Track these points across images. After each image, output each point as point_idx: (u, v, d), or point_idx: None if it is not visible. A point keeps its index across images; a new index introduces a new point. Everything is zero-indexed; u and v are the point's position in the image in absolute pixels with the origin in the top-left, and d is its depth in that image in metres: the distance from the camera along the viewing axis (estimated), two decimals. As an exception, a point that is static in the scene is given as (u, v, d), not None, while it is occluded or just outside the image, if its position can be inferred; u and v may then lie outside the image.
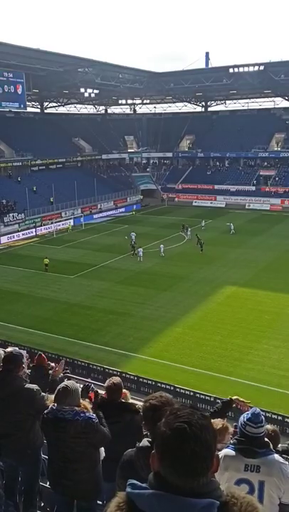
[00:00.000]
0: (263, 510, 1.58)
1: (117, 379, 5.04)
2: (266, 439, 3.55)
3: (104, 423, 4.24)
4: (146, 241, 46.80)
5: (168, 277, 36.26)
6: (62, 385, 4.11)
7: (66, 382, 4.20)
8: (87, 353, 23.72)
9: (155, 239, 48.23)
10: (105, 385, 4.99)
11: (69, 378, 6.71)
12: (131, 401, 5.77)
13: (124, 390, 5.23)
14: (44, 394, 4.61)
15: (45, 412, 4.13)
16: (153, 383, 19.95)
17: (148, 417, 2.91)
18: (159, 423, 1.68)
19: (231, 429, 4.58)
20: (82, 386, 6.23)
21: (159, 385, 19.63)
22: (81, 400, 4.21)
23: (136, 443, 3.31)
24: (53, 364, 8.31)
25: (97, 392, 5.05)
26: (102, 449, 4.66)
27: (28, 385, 4.61)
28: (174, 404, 1.79)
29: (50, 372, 5.38)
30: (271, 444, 3.55)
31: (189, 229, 50.60)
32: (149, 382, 19.94)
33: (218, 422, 4.39)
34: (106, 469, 4.37)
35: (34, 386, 4.65)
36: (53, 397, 4.22)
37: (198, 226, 52.92)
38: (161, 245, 43.74)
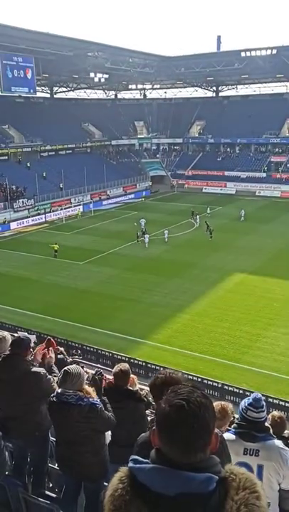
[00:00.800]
0: (261, 488, 1.61)
1: (125, 366, 5.08)
2: (267, 424, 3.57)
3: (109, 408, 4.29)
4: (155, 228, 46.72)
5: (176, 264, 36.28)
6: (64, 368, 4.17)
7: (69, 366, 4.25)
8: (96, 339, 23.89)
9: (164, 226, 48.09)
10: (113, 370, 5.04)
11: (78, 363, 6.78)
12: (138, 386, 5.82)
13: (131, 376, 5.27)
14: (50, 377, 4.67)
15: (52, 395, 4.19)
16: (161, 369, 20.02)
17: (156, 391, 2.94)
18: (160, 400, 1.72)
19: (231, 414, 4.59)
20: (94, 373, 6.30)
21: (167, 370, 19.72)
22: (85, 386, 4.25)
23: (138, 429, 3.35)
24: (62, 349, 8.39)
25: (102, 376, 5.11)
26: (109, 432, 4.72)
27: (35, 369, 4.68)
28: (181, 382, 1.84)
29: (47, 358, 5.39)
30: (271, 429, 3.57)
31: (198, 216, 50.41)
32: (157, 368, 20.04)
33: (217, 403, 4.40)
34: (111, 452, 4.44)
35: (41, 369, 4.72)
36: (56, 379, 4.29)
37: (203, 214, 52.67)
38: (166, 231, 43.72)
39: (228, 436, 3.50)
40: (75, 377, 4.11)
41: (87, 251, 40.84)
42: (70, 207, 60.17)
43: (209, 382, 18.75)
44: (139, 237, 42.74)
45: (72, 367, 4.19)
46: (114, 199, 67.64)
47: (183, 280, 32.81)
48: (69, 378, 4.06)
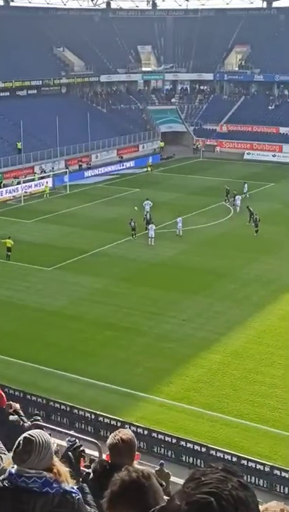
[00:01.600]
0: None
1: (127, 433, 5.08)
2: None
3: (91, 501, 4.24)
4: (167, 215, 46.69)
5: (200, 273, 36.29)
6: (24, 434, 4.14)
7: (32, 431, 4.23)
8: (70, 390, 23.86)
9: (181, 211, 47.83)
10: (108, 441, 5.03)
11: (41, 428, 6.75)
12: (138, 468, 5.80)
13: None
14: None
15: (1, 478, 4.16)
16: (173, 441, 20.02)
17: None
18: (174, 493, 1.72)
19: None
20: (67, 446, 6.16)
21: (183, 443, 19.71)
22: (55, 462, 4.22)
23: None
24: (16, 405, 8.41)
25: (84, 451, 5.02)
26: None
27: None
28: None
29: None
30: None
31: (239, 197, 50.50)
32: (167, 439, 20.04)
33: (272, 505, 4.35)
34: None
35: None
36: (10, 455, 4.26)
37: (244, 194, 52.77)
38: (179, 219, 43.82)
39: None
40: (43, 448, 4.08)
41: (58, 250, 40.86)
42: (32, 179, 60.27)
43: (252, 465, 18.71)
44: (135, 229, 42.56)
45: (37, 432, 4.17)
46: (102, 168, 67.78)
47: (210, 299, 32.77)
48: (33, 450, 4.03)
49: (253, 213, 44.54)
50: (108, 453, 4.91)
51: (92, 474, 4.67)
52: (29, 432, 4.17)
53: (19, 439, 4.15)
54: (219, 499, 1.64)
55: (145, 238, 42.33)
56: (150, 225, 42.36)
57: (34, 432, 4.16)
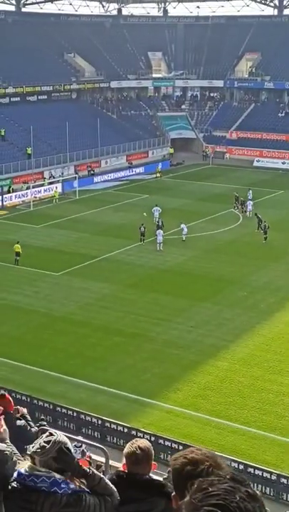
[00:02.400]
0: None
1: (144, 442, 5.05)
2: None
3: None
4: (175, 221, 46.69)
5: (209, 280, 36.29)
6: (46, 434, 4.15)
7: (51, 430, 4.24)
8: (77, 396, 23.86)
9: (190, 218, 47.95)
10: (126, 450, 5.00)
11: (45, 433, 6.75)
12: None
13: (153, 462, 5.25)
14: (15, 457, 4.63)
15: (12, 479, 4.17)
16: (180, 448, 19.94)
17: (181, 482, 2.87)
18: (181, 503, 1.73)
19: None
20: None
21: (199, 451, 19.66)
22: None
23: None
24: (24, 410, 8.40)
25: (90, 457, 5.04)
26: None
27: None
28: (220, 465, 1.80)
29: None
30: None
31: (250, 202, 50.58)
32: (174, 445, 19.98)
33: None
34: None
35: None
36: (25, 462, 4.27)
37: (253, 200, 52.73)
38: (183, 225, 43.86)
39: None
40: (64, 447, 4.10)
41: (67, 255, 40.94)
42: (42, 184, 60.42)
43: (258, 473, 18.62)
44: (144, 234, 42.49)
45: (57, 432, 4.20)
46: (112, 174, 67.88)
47: (218, 306, 32.77)
48: (52, 443, 4.07)
49: (261, 220, 44.56)
50: (124, 462, 4.88)
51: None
52: (49, 430, 4.22)
53: (38, 440, 4.18)
54: (227, 509, 1.63)
55: (153, 244, 42.34)
56: (158, 231, 42.38)
57: (53, 431, 4.20)
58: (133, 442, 4.94)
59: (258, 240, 43.20)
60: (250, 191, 54.36)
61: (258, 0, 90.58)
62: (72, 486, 4.07)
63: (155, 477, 4.94)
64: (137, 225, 43.58)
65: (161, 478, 5.27)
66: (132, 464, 4.74)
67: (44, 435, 4.17)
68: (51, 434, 4.18)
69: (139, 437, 19.57)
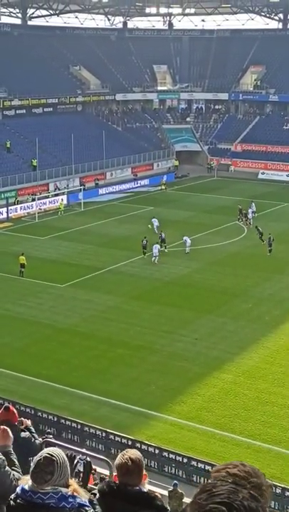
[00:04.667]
0: None
1: (135, 453, 5.06)
2: None
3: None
4: (180, 233, 46.69)
5: (213, 292, 36.28)
6: (43, 453, 4.13)
7: (50, 449, 4.22)
8: (81, 408, 23.80)
9: (195, 230, 47.95)
10: (117, 461, 4.99)
11: (50, 445, 6.77)
12: (148, 487, 5.76)
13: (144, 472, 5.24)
14: (9, 469, 4.64)
15: (13, 496, 4.15)
16: (185, 461, 19.90)
17: None
18: (186, 505, 1.75)
19: None
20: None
21: (194, 463, 19.57)
22: (71, 479, 4.24)
23: None
24: (28, 422, 8.42)
25: (95, 470, 5.05)
26: None
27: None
28: (261, 478, 1.84)
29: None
30: None
31: (252, 213, 50.64)
32: (178, 458, 19.93)
33: None
34: None
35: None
36: (27, 477, 4.25)
37: (257, 213, 52.85)
38: (186, 237, 43.95)
39: None
40: (63, 467, 4.09)
41: (72, 267, 40.97)
42: (47, 196, 60.60)
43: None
44: (146, 247, 42.46)
45: (56, 451, 4.17)
46: (117, 186, 68.04)
47: (223, 318, 32.73)
48: (56, 470, 4.04)
49: (262, 233, 44.46)
50: (116, 473, 4.89)
51: (98, 494, 4.64)
52: (49, 451, 4.17)
53: (38, 458, 4.15)
54: (231, 509, 1.68)
55: (160, 256, 42.31)
56: (155, 245, 42.14)
57: (53, 451, 4.17)
58: (124, 453, 4.94)
59: (263, 252, 43.17)
60: (253, 204, 54.34)
61: (262, 14, 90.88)
62: (78, 499, 4.08)
63: (146, 489, 4.93)
64: (141, 237, 43.63)
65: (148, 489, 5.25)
66: (123, 475, 4.74)
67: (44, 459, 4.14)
68: (52, 460, 4.14)
69: (143, 450, 19.53)
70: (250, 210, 51.80)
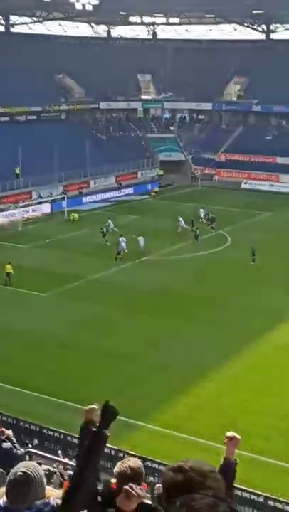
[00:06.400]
0: None
1: (135, 462, 5.02)
2: None
3: None
4: (164, 242, 46.89)
5: (198, 301, 36.31)
6: (18, 470, 4.05)
7: (25, 464, 4.14)
8: (64, 418, 23.57)
9: (178, 239, 48.05)
10: (116, 469, 4.95)
11: (32, 456, 6.68)
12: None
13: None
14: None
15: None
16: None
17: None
18: None
19: None
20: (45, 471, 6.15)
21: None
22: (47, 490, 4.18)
23: None
24: (9, 432, 8.33)
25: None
26: None
27: None
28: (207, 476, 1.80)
29: None
30: None
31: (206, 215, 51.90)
32: (161, 467, 19.81)
33: None
34: None
35: None
36: (3, 489, 4.18)
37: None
38: (140, 237, 44.36)
39: None
40: (38, 483, 4.02)
41: (54, 276, 40.82)
42: (29, 204, 60.43)
43: (245, 495, 18.45)
44: (120, 252, 43.74)
45: (30, 468, 4.10)
46: (101, 194, 68.09)
47: (206, 327, 32.69)
48: (30, 490, 3.97)
49: (254, 252, 43.60)
50: (115, 481, 4.83)
51: (98, 498, 4.57)
52: (23, 469, 4.10)
53: (12, 477, 4.08)
54: None
55: (143, 266, 42.50)
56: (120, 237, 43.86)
57: (28, 468, 4.10)
58: (124, 461, 4.89)
59: (246, 262, 43.29)
60: (202, 209, 55.90)
61: (246, 24, 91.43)
62: (51, 501, 4.03)
63: (147, 502, 4.88)
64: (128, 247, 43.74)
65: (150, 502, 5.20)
66: (122, 483, 4.67)
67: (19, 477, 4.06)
68: (26, 477, 4.06)
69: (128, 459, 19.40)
70: (202, 215, 53.89)
